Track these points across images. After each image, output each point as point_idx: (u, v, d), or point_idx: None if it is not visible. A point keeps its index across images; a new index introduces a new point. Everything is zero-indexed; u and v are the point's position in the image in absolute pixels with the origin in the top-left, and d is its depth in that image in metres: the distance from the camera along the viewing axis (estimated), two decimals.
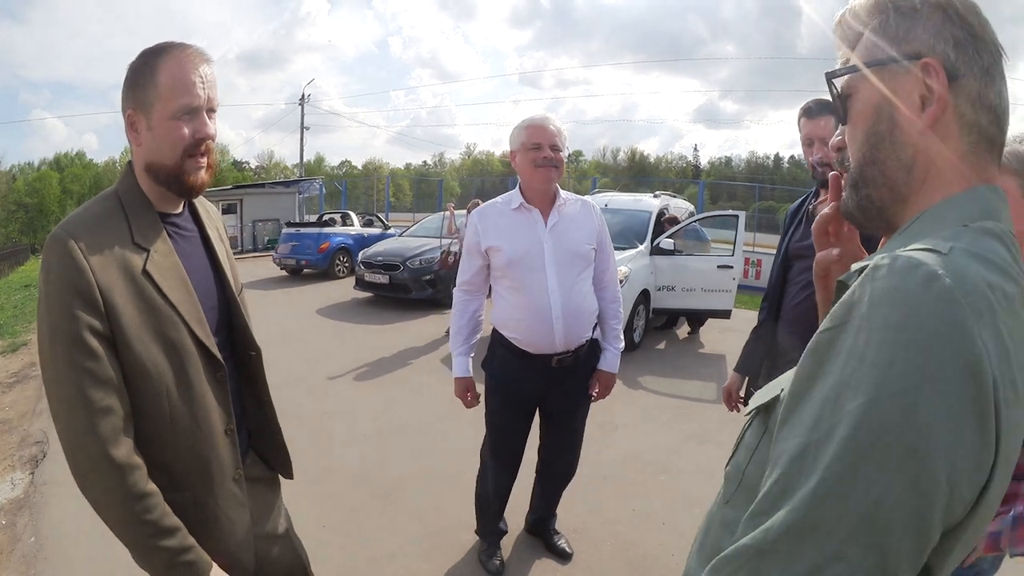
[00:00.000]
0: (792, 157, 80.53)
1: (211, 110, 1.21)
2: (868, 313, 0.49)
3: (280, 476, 1.55)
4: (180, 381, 1.19)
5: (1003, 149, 0.65)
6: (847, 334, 0.50)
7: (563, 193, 2.36)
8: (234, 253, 1.66)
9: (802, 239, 2.13)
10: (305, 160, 30.73)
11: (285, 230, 13.12)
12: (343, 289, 10.40)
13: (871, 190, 0.68)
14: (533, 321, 2.32)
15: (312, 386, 5.43)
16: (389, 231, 13.85)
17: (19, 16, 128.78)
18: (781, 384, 0.65)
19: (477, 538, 2.89)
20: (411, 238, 10.63)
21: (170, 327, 1.17)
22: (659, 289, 7.15)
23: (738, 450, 0.70)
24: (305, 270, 12.45)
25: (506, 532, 2.90)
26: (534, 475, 2.85)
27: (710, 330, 8.02)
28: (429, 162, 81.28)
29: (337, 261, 12.22)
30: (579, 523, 3.12)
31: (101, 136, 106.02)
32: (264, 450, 1.50)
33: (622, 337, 2.59)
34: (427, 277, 9.03)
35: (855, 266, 0.64)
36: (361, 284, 9.55)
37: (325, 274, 11.98)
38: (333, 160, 76.86)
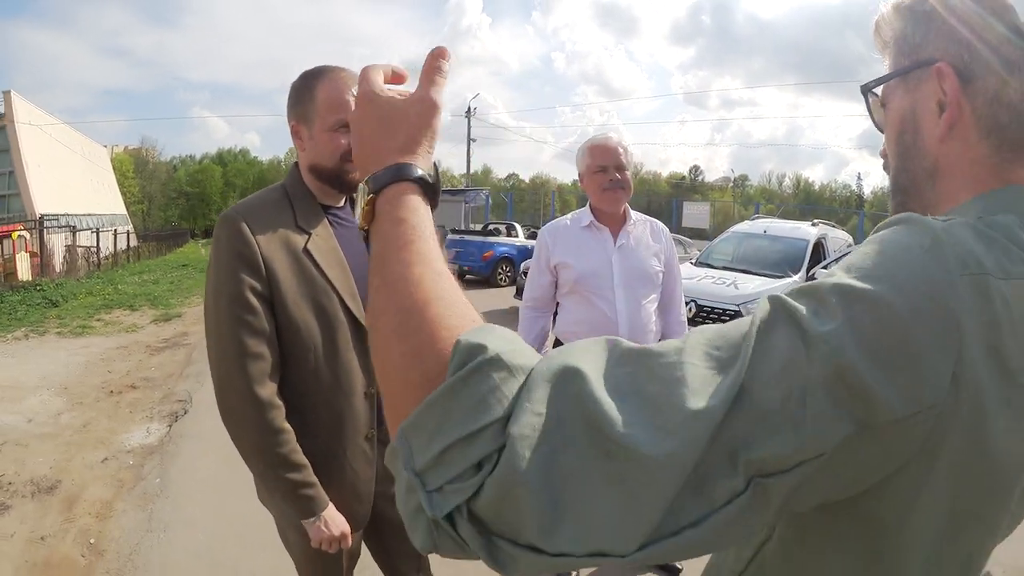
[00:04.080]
0: None
1: None
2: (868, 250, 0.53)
3: None
4: (327, 342, 1.33)
5: None
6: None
7: (633, 214, 2.34)
8: None
9: None
10: (472, 171, 31.60)
11: (450, 237, 13.27)
12: (503, 297, 10.20)
13: (904, 198, 0.69)
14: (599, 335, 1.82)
15: None
16: None
17: (174, 22, 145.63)
18: None
19: None
20: None
21: (323, 296, 1.33)
22: None
23: None
24: (467, 276, 12.52)
25: None
26: None
27: None
28: None
29: (499, 270, 12.15)
30: None
31: (264, 136, 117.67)
32: None
33: None
34: None
35: None
36: (521, 294, 9.08)
37: (487, 281, 12.03)
38: (500, 172, 79.65)
